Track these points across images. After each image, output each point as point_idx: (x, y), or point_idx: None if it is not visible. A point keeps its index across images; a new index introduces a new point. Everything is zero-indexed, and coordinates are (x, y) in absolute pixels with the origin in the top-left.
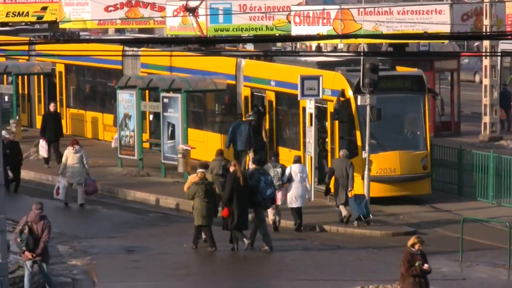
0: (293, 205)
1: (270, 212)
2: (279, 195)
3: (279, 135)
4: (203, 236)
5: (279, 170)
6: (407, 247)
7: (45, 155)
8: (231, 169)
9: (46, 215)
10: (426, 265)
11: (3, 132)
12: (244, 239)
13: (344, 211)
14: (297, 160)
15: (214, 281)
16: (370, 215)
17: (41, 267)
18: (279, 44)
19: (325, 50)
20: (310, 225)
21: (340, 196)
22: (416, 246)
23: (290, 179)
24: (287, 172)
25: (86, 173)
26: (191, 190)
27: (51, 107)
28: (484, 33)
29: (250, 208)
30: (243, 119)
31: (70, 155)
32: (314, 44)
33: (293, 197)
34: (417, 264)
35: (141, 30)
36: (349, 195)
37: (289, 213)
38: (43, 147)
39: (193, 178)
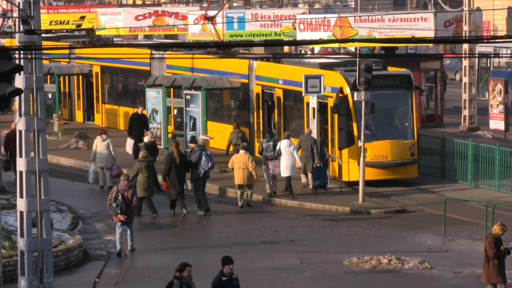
0: (284, 174)
1: (129, 146)
2: (271, 166)
3: (286, 126)
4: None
5: (270, 144)
6: (491, 233)
7: (130, 152)
8: (170, 149)
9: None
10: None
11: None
12: (183, 210)
13: (303, 179)
14: (286, 136)
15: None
16: (327, 185)
17: (130, 225)
18: (286, 48)
19: (326, 53)
20: (315, 205)
21: (303, 167)
22: (500, 232)
23: (279, 153)
24: (277, 147)
25: (113, 159)
26: (135, 166)
27: (139, 109)
28: (463, 38)
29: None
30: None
31: (98, 143)
32: (316, 47)
33: (283, 167)
34: (502, 248)
35: (166, 36)
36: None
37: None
38: (129, 145)
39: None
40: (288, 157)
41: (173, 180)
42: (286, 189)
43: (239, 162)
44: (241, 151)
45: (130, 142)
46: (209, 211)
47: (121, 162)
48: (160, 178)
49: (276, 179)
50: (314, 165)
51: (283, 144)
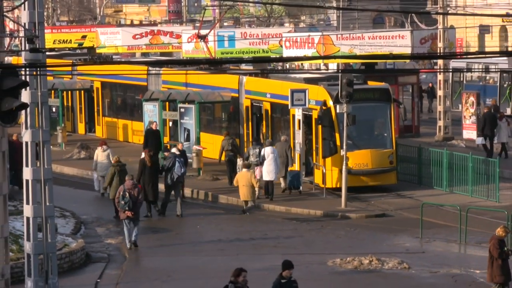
0: (266, 178)
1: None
2: (257, 171)
3: (273, 136)
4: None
5: (256, 150)
6: (496, 235)
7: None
8: (142, 155)
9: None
10: None
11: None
12: (156, 208)
13: (283, 183)
14: (269, 143)
15: (223, 253)
16: (300, 187)
17: (135, 222)
18: (273, 64)
19: (310, 69)
20: (301, 210)
21: (281, 171)
22: (503, 234)
23: (263, 158)
24: (262, 153)
25: None
26: (110, 170)
27: (153, 125)
28: (438, 54)
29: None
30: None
31: (99, 153)
32: (301, 63)
33: (266, 172)
34: (506, 249)
35: (162, 54)
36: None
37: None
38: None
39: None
40: (270, 162)
41: (146, 183)
42: (267, 192)
43: (243, 180)
44: (244, 170)
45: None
46: (181, 216)
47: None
48: None
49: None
50: (287, 168)
51: (266, 151)
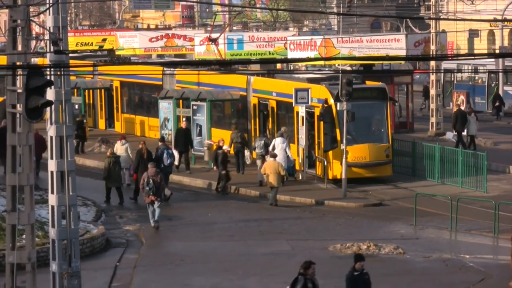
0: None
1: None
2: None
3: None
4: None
5: (262, 142)
6: None
7: (176, 163)
8: (139, 146)
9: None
10: None
11: None
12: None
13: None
14: (280, 134)
15: (233, 239)
16: (295, 175)
17: (158, 205)
18: (278, 65)
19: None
20: (305, 200)
21: None
22: None
23: (274, 148)
24: (272, 143)
25: (131, 160)
26: (106, 161)
27: (183, 124)
28: (431, 56)
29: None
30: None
31: (118, 147)
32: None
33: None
34: None
35: (176, 55)
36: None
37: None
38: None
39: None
40: (280, 152)
41: (141, 171)
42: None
43: (270, 168)
44: (271, 159)
45: (175, 154)
46: (166, 201)
47: None
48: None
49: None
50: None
51: (277, 141)
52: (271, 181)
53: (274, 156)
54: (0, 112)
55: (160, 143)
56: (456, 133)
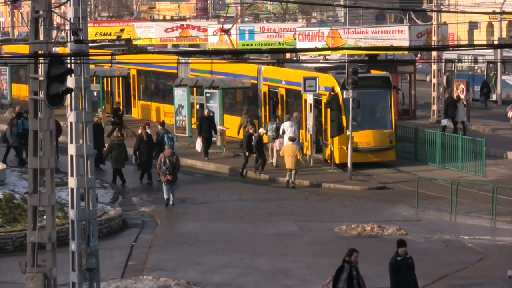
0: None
1: (199, 144)
2: (277, 143)
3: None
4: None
5: (273, 126)
6: None
7: (199, 150)
8: (139, 131)
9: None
10: None
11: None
12: (149, 180)
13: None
14: (288, 118)
15: (243, 220)
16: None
17: (173, 184)
18: (288, 55)
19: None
20: (312, 183)
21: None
22: None
23: (284, 132)
24: (281, 127)
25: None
26: (111, 145)
27: (206, 112)
28: (433, 46)
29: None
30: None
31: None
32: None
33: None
34: None
35: (190, 45)
36: None
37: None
38: (198, 144)
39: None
40: (290, 134)
41: (142, 154)
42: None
43: (289, 151)
44: (289, 142)
45: (199, 141)
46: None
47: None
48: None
49: (278, 155)
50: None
51: (286, 125)
52: (289, 164)
53: (293, 139)
54: None
55: (160, 128)
56: (447, 119)
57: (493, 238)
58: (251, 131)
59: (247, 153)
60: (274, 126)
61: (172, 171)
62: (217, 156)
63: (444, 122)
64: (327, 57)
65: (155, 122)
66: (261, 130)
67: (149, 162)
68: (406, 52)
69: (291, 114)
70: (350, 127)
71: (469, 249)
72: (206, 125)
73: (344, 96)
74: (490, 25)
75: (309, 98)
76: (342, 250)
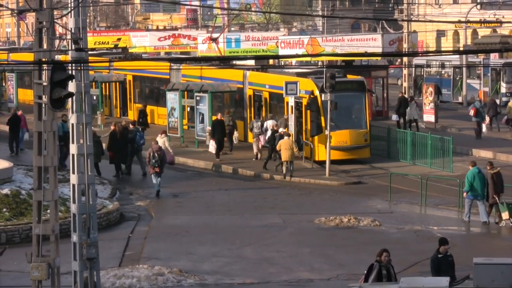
0: (267, 144)
1: (212, 146)
2: (262, 138)
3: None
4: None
5: (258, 123)
6: None
7: (213, 151)
8: (111, 128)
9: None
10: None
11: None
12: (120, 172)
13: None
14: (271, 118)
15: (231, 213)
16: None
17: (160, 175)
18: (271, 61)
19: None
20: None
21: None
22: None
23: (266, 129)
24: (265, 125)
25: (167, 150)
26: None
27: (218, 116)
28: (404, 53)
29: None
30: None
31: (159, 139)
32: (293, 60)
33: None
34: None
35: (181, 53)
36: None
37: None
38: (212, 145)
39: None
40: (270, 132)
41: (115, 150)
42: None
43: (285, 145)
44: (286, 137)
45: (212, 143)
46: (145, 175)
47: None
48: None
49: (262, 148)
50: None
51: (268, 123)
52: (286, 156)
53: (288, 135)
54: None
55: (131, 126)
56: (398, 116)
57: (460, 228)
58: (276, 128)
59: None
60: (259, 123)
61: (160, 164)
62: (205, 154)
63: (394, 117)
64: (306, 63)
65: (149, 123)
66: (281, 130)
67: (124, 157)
68: (379, 58)
69: (274, 115)
70: (328, 127)
71: (438, 238)
72: (219, 129)
73: (323, 98)
74: (456, 33)
75: (291, 100)
76: (322, 240)
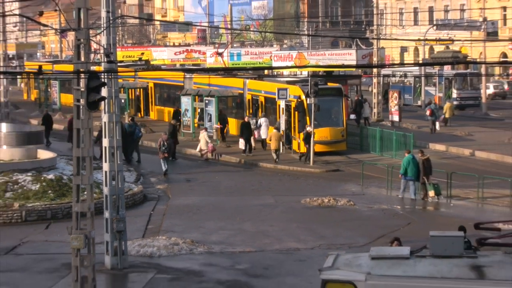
0: (262, 137)
1: (242, 144)
2: (257, 133)
3: (266, 118)
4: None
5: (254, 121)
6: None
7: (242, 147)
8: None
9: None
10: None
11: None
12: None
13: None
14: (263, 116)
15: (233, 195)
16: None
17: (168, 160)
18: (266, 71)
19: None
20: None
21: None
22: None
23: (260, 125)
24: (259, 122)
25: (206, 144)
26: (99, 133)
27: (246, 118)
28: (374, 65)
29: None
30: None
31: (201, 135)
32: (284, 71)
33: (261, 133)
34: None
35: (193, 64)
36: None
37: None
38: (241, 143)
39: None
40: (264, 128)
41: (123, 141)
42: (263, 145)
43: (275, 136)
44: (275, 130)
45: (242, 141)
46: (140, 162)
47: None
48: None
49: (255, 140)
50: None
51: (261, 120)
52: (275, 146)
53: (278, 128)
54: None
55: (130, 121)
56: (355, 114)
57: (418, 208)
58: (308, 128)
59: (306, 146)
60: (254, 121)
61: (168, 150)
62: (214, 146)
63: (352, 116)
64: (294, 73)
65: (167, 121)
66: (309, 128)
67: (125, 148)
68: (354, 69)
69: (267, 114)
70: (312, 125)
71: (401, 216)
72: (245, 129)
73: (308, 102)
74: (416, 49)
75: (282, 103)
76: (307, 217)
